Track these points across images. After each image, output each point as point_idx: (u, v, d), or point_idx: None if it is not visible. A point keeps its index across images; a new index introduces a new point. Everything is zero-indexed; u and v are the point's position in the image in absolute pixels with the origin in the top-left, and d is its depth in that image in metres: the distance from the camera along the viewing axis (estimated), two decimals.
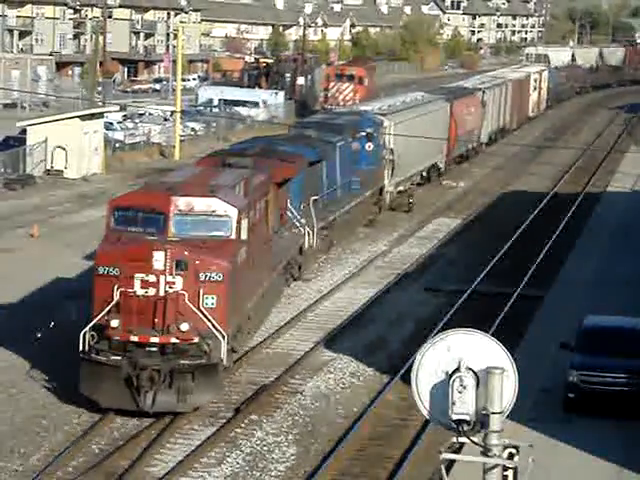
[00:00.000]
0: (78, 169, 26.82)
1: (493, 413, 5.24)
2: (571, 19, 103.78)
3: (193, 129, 34.94)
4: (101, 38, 42.97)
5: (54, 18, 60.86)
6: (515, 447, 5.33)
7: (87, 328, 10.63)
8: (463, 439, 5.31)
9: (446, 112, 27.42)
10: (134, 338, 10.57)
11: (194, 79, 55.35)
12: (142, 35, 68.66)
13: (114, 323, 10.52)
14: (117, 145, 30.66)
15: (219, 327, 10.60)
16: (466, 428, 5.25)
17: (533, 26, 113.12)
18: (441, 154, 27.11)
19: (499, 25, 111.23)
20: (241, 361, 12.91)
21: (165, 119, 34.58)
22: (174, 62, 41.21)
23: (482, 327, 7.10)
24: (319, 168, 17.64)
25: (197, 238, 10.98)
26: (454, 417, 5.25)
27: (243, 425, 11.08)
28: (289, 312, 15.30)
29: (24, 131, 27.01)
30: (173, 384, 10.67)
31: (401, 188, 23.52)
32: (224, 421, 11.15)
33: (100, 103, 34.15)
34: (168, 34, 68.78)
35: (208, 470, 10.03)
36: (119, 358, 10.61)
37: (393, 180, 22.67)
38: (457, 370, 5.29)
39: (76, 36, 63.08)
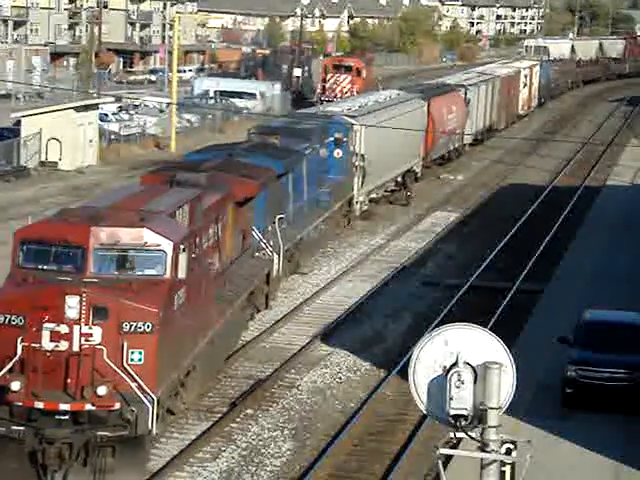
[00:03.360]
0: (72, 161, 26.64)
1: (491, 408, 5.19)
2: (570, 11, 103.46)
3: (189, 121, 34.75)
4: (96, 28, 42.73)
5: (49, 8, 60.54)
6: (513, 442, 5.28)
7: None
8: (461, 434, 5.26)
9: (423, 112, 25.06)
10: (40, 404, 8.59)
11: (190, 70, 55.08)
12: (138, 25, 68.40)
13: (15, 385, 8.53)
14: (112, 137, 30.45)
15: (147, 389, 8.73)
16: (464, 423, 5.21)
17: (532, 18, 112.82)
18: (417, 158, 24.83)
19: (498, 17, 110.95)
20: (237, 355, 12.78)
21: (161, 110, 34.36)
22: (170, 53, 40.97)
23: (480, 321, 6.99)
24: (285, 182, 15.43)
25: (122, 279, 9.09)
26: (452, 412, 5.21)
27: (239, 420, 10.99)
28: (285, 306, 15.20)
29: (18, 122, 26.87)
30: (88, 461, 8.74)
31: (374, 195, 21.50)
32: (219, 416, 11.04)
33: (95, 94, 33.92)
34: (164, 25, 68.51)
35: (203, 465, 9.95)
36: (21, 429, 8.62)
37: (364, 189, 20.57)
38: (455, 365, 5.25)
39: (71, 26, 62.82)
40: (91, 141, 27.66)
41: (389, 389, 11.95)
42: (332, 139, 18.75)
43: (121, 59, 62.57)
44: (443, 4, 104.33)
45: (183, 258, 9.52)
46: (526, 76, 41.41)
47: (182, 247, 9.58)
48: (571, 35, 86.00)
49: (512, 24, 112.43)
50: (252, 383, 11.95)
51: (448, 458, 8.42)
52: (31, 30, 59.51)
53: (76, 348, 8.73)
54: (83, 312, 8.75)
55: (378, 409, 11.41)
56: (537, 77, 44.14)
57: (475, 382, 5.19)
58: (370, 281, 16.83)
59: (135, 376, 8.78)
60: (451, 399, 5.16)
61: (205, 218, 10.75)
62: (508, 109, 37.31)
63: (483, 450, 5.23)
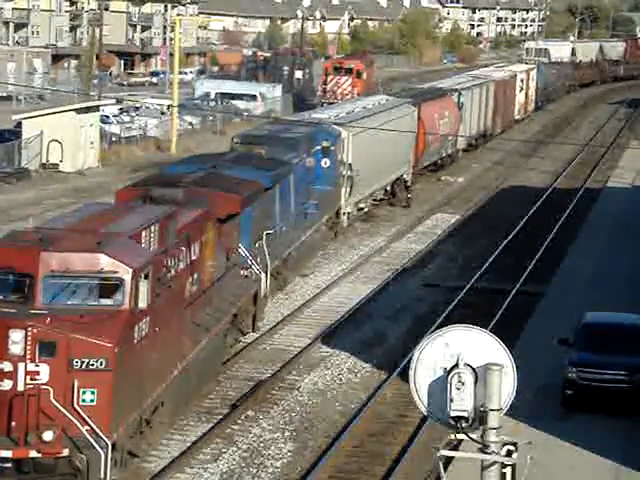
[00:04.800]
0: (74, 163, 26.69)
1: (492, 410, 5.18)
2: (571, 13, 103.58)
3: (190, 123, 34.80)
4: (97, 31, 42.81)
5: (50, 10, 60.64)
6: (513, 444, 5.28)
7: None
8: (461, 436, 5.27)
9: (413, 117, 23.94)
10: None
11: (191, 72, 55.21)
12: (139, 28, 68.49)
13: None
14: (113, 139, 30.51)
15: (100, 433, 7.94)
16: (464, 425, 5.21)
17: (533, 20, 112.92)
18: (407, 165, 23.60)
19: (499, 19, 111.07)
20: (238, 357, 12.80)
21: (162, 112, 34.43)
22: (171, 55, 41.03)
23: (481, 323, 7.02)
24: (273, 195, 14.50)
25: (75, 310, 8.20)
26: (452, 414, 5.21)
27: (239, 421, 11.01)
28: (286, 308, 15.23)
29: (19, 124, 26.87)
30: None
31: (362, 205, 20.60)
32: (220, 417, 11.06)
33: (96, 96, 33.98)
34: (165, 27, 68.60)
35: (204, 466, 9.96)
36: None
37: (351, 199, 19.65)
38: (455, 366, 5.25)
39: (72, 28, 62.92)
40: (92, 143, 27.70)
41: (390, 391, 11.95)
42: (319, 148, 17.70)
43: (122, 61, 62.67)
44: (444, 6, 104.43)
45: (144, 286, 8.58)
46: (522, 80, 40.43)
47: (144, 274, 8.64)
48: (572, 37, 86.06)
49: (513, 26, 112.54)
50: (253, 385, 11.98)
51: (449, 460, 8.42)
52: (32, 32, 59.61)
53: (21, 388, 7.99)
54: (28, 348, 7.96)
55: (379, 410, 11.42)
56: (534, 81, 43.29)
57: (476, 383, 5.20)
58: (371, 282, 16.85)
59: (87, 418, 7.98)
60: (452, 400, 5.17)
61: (179, 238, 9.82)
62: (504, 114, 36.46)
63: (484, 452, 5.23)
